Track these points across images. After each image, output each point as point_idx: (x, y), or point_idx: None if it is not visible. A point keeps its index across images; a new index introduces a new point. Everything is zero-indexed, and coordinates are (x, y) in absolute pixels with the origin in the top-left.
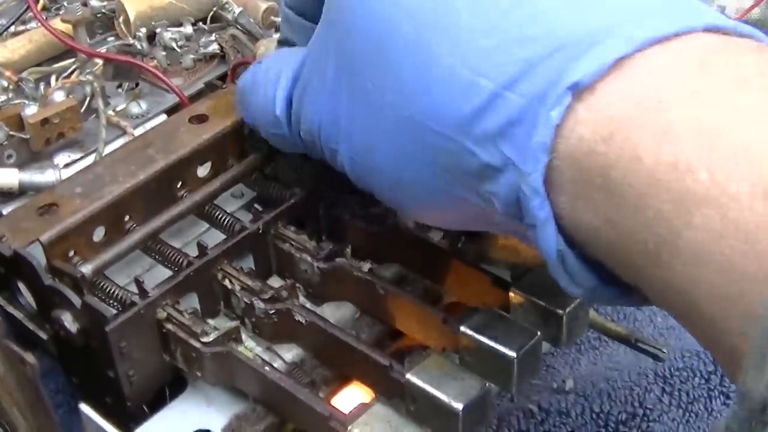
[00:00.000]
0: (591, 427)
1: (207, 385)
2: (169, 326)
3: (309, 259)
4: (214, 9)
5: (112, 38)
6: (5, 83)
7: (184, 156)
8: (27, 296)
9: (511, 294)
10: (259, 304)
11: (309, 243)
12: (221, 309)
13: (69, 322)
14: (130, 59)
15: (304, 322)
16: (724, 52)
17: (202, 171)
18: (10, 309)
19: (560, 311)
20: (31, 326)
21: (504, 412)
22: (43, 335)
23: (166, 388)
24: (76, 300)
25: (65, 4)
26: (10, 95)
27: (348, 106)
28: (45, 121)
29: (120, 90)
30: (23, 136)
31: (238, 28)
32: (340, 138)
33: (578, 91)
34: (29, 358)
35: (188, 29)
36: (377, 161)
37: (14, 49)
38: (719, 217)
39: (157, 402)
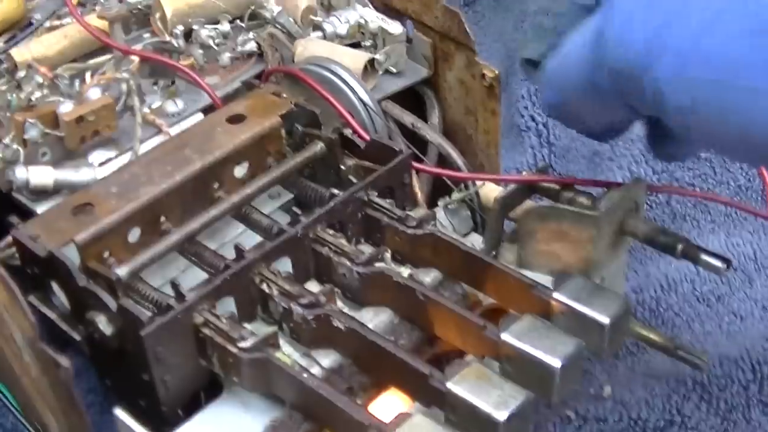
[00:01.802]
0: None
1: (243, 390)
2: (206, 331)
3: (348, 263)
4: (252, 7)
5: (147, 35)
6: (40, 79)
7: (221, 157)
8: (61, 296)
9: (553, 302)
10: (298, 310)
11: (348, 247)
12: (258, 313)
13: (104, 324)
14: (164, 59)
15: (343, 328)
16: None
17: (240, 171)
18: (44, 309)
19: (603, 320)
20: (64, 327)
21: (541, 418)
22: (77, 336)
23: (202, 392)
24: (112, 303)
25: (101, 0)
26: (45, 92)
27: None
28: (80, 119)
29: (156, 87)
30: (58, 134)
31: (276, 27)
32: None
33: None
34: (63, 361)
35: (225, 27)
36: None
37: (49, 44)
38: None
39: (192, 405)
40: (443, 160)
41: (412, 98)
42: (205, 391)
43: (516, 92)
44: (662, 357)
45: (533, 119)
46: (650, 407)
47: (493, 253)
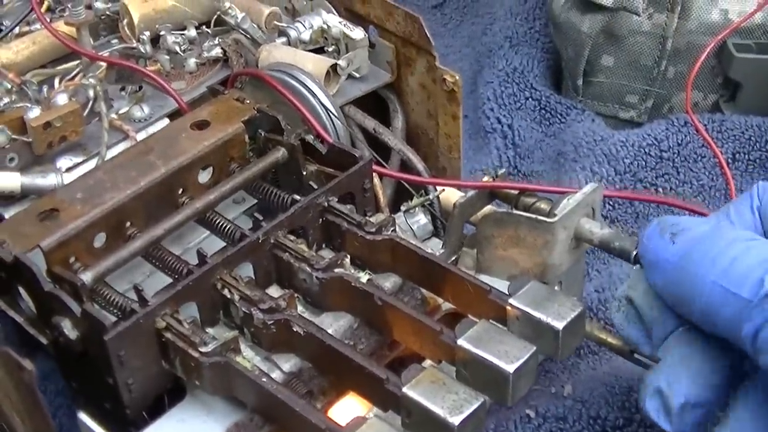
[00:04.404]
0: None
1: (206, 394)
2: (168, 335)
3: (308, 269)
4: (218, 13)
5: (115, 41)
6: (8, 85)
7: (185, 162)
8: (28, 301)
9: (509, 307)
10: (258, 314)
11: (308, 252)
12: (220, 318)
13: (68, 328)
14: (131, 64)
15: (302, 332)
16: None
17: (204, 177)
18: (11, 313)
19: (557, 325)
20: (31, 331)
21: (501, 417)
22: (44, 340)
23: (165, 396)
24: (76, 307)
25: (69, 6)
26: (14, 97)
27: None
28: (47, 125)
29: (123, 93)
30: (26, 139)
31: (241, 33)
32: None
33: None
34: (27, 364)
35: (192, 33)
36: None
37: (18, 50)
38: None
39: (156, 409)
40: (406, 165)
41: (376, 103)
42: (169, 394)
43: (482, 95)
44: None
45: (499, 121)
46: (610, 405)
47: (454, 257)
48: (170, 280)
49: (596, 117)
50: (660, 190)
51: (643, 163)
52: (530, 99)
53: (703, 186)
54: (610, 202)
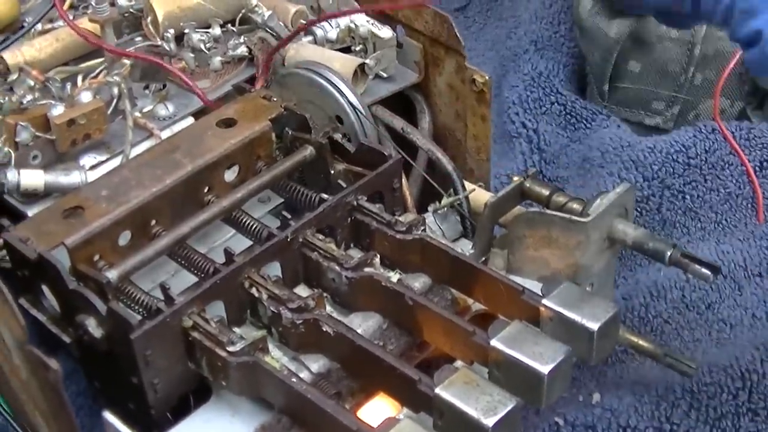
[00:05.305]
0: None
1: (232, 394)
2: (195, 334)
3: (337, 268)
4: (243, 11)
5: (139, 38)
6: (32, 83)
7: (212, 160)
8: (51, 299)
9: (542, 308)
10: (286, 314)
11: (337, 252)
12: (247, 317)
13: (93, 327)
14: (156, 60)
15: (331, 333)
16: None
17: (230, 175)
18: (34, 312)
19: (591, 327)
20: (54, 330)
21: (530, 425)
22: (67, 339)
23: (191, 396)
24: (101, 306)
25: (93, 2)
26: (37, 95)
27: None
28: (71, 122)
29: (147, 91)
30: (49, 137)
31: (267, 31)
32: None
33: None
34: (53, 364)
35: (216, 31)
36: None
37: (41, 47)
38: None
39: (181, 409)
40: (432, 165)
41: (402, 102)
42: (195, 394)
43: (507, 99)
44: (651, 364)
45: (524, 126)
46: (639, 414)
47: (483, 258)
48: (195, 280)
49: (622, 123)
50: (687, 197)
51: (671, 169)
52: (556, 104)
53: (730, 194)
54: (638, 209)
